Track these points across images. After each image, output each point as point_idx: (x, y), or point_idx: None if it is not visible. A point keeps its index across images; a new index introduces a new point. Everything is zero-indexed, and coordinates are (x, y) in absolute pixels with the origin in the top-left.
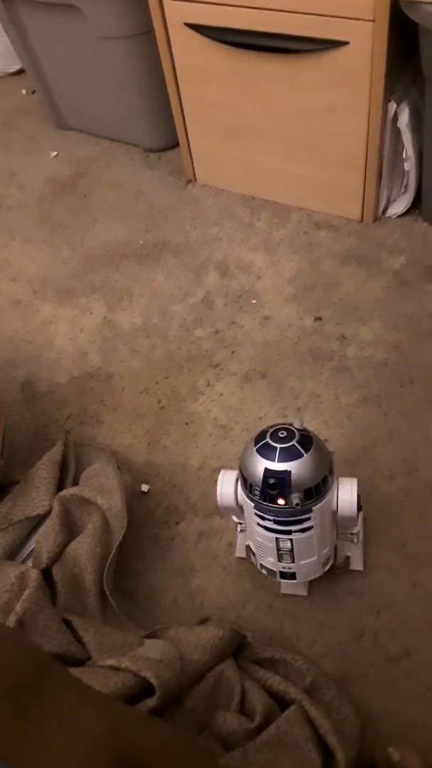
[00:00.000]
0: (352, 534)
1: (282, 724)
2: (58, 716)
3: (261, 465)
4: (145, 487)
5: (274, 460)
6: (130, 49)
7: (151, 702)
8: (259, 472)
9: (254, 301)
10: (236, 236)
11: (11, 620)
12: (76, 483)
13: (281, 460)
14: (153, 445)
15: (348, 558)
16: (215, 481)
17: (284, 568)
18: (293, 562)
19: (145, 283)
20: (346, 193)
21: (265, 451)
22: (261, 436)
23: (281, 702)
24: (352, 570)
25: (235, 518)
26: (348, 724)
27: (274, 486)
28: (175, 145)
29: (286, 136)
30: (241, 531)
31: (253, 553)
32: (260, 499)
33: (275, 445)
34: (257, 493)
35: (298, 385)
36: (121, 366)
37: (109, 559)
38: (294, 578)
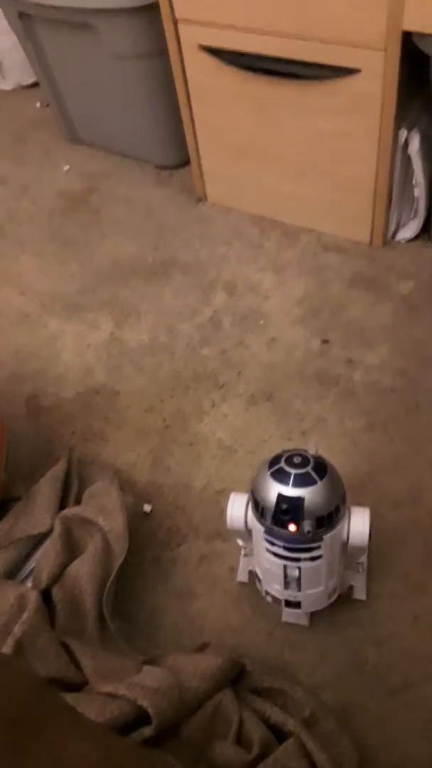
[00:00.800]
0: (357, 563)
1: (279, 756)
2: (52, 749)
3: (274, 489)
4: (147, 508)
5: (288, 485)
6: (144, 68)
7: (147, 731)
8: (272, 496)
9: (261, 322)
10: (245, 256)
11: (9, 643)
12: (78, 501)
13: (295, 485)
14: (156, 464)
15: (351, 587)
16: (218, 503)
17: (290, 596)
18: (299, 590)
19: (152, 300)
20: (355, 216)
21: (279, 476)
22: (275, 461)
23: (279, 734)
24: (355, 599)
25: (240, 542)
26: (346, 758)
27: (287, 511)
28: (186, 163)
29: (297, 160)
30: (245, 555)
31: (259, 579)
32: (271, 524)
33: (290, 470)
34: (269, 517)
35: (303, 408)
36: (126, 383)
37: (109, 582)
38: (299, 607)
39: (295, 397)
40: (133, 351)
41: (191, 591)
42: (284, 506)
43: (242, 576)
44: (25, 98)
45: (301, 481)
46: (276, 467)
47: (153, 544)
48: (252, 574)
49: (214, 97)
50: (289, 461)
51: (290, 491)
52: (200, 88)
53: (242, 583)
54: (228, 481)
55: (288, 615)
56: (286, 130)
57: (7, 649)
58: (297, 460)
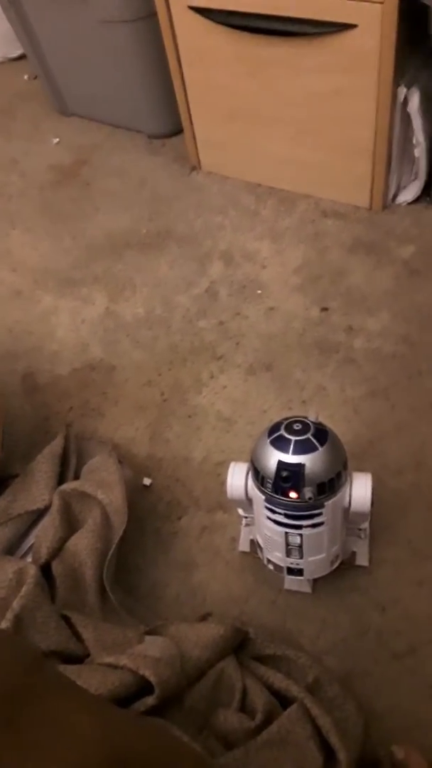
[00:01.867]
0: (359, 529)
1: (283, 722)
2: (49, 723)
3: (274, 457)
4: (147, 481)
5: (288, 453)
6: (133, 33)
7: (150, 700)
8: (272, 464)
9: (259, 292)
10: (241, 225)
11: (8, 617)
12: (77, 477)
13: (295, 452)
14: (155, 438)
15: (354, 553)
16: (218, 474)
17: (292, 563)
18: (301, 558)
19: (148, 273)
20: (354, 179)
21: (279, 443)
22: (275, 428)
23: (283, 700)
24: (358, 566)
25: (241, 512)
26: (351, 722)
27: (287, 479)
28: (179, 131)
29: (293, 122)
30: (246, 525)
31: (260, 547)
32: (272, 492)
33: (290, 437)
34: (269, 485)
35: (303, 377)
36: (123, 358)
37: (109, 555)
38: (301, 575)
39: (295, 366)
40: (129, 325)
41: (193, 562)
42: (285, 473)
43: (244, 545)
44: (13, 71)
45: (302, 448)
46: (276, 434)
47: (153, 517)
48: (253, 544)
49: (205, 60)
50: (289, 428)
51: (290, 458)
52: (191, 50)
53: (244, 553)
54: (228, 452)
55: (290, 583)
56: (281, 92)
57: (6, 623)
58: (297, 426)
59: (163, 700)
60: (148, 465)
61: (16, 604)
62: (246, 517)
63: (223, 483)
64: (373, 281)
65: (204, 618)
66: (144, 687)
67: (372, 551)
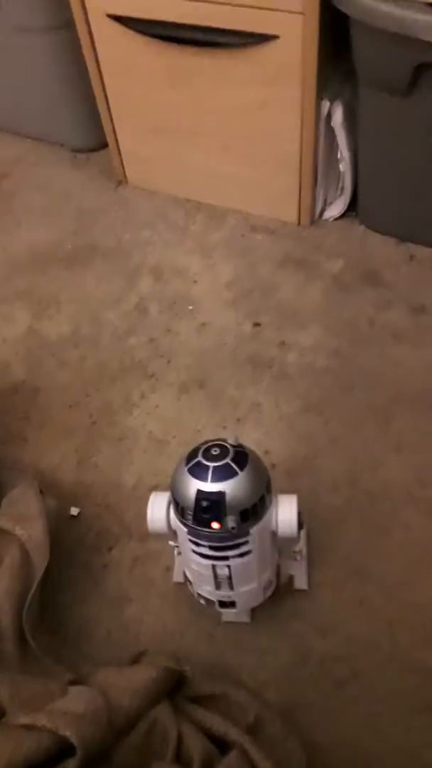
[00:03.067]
0: (295, 551)
1: None
2: None
3: (193, 486)
4: (74, 511)
5: (207, 480)
6: (51, 41)
7: (71, 764)
8: (191, 494)
9: (190, 307)
10: (170, 240)
11: None
12: None
13: (215, 480)
14: (83, 463)
15: (292, 577)
16: None
17: (223, 596)
18: (232, 589)
19: (73, 289)
20: (282, 194)
21: (197, 471)
22: (193, 454)
23: (222, 744)
24: (297, 590)
25: (171, 542)
26: (294, 760)
27: (208, 509)
28: (104, 144)
29: (218, 135)
30: (179, 554)
31: (190, 582)
32: (193, 524)
33: (208, 464)
34: (189, 516)
35: (237, 394)
36: (48, 379)
37: (29, 597)
38: (234, 607)
39: (229, 383)
40: (53, 344)
41: (125, 596)
42: (205, 503)
43: (178, 576)
44: None
45: (221, 475)
46: (193, 462)
47: (82, 549)
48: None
49: (127, 71)
50: (207, 454)
51: (210, 486)
52: (112, 61)
53: (179, 584)
54: (161, 475)
55: (228, 614)
56: (205, 104)
57: None
58: (215, 451)
59: (86, 761)
60: (76, 493)
61: None
62: (177, 546)
63: None
64: (303, 296)
65: (138, 657)
66: (65, 748)
67: (311, 573)
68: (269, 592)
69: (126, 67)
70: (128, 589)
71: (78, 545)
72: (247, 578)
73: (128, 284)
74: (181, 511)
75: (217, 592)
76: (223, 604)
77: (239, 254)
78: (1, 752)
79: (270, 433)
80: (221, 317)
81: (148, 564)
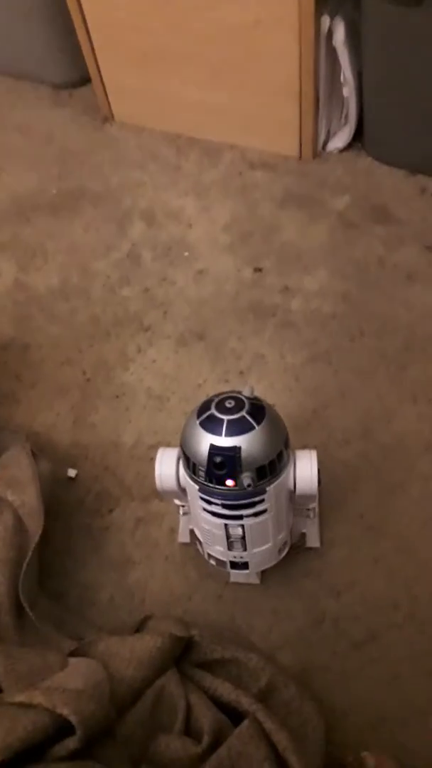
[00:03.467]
0: (308, 509)
1: (234, 743)
2: None
3: (205, 441)
4: (72, 472)
5: (220, 435)
6: None
7: (71, 743)
8: (204, 449)
9: (186, 254)
10: (162, 181)
11: None
12: None
13: (229, 434)
14: (79, 423)
15: (303, 535)
16: (152, 459)
17: (235, 557)
18: (245, 550)
19: (61, 238)
20: (281, 125)
21: (210, 425)
22: (205, 407)
23: (234, 713)
24: (309, 548)
25: (177, 501)
26: (310, 727)
27: (222, 465)
28: (87, 79)
29: (209, 61)
30: (185, 514)
31: (200, 542)
32: (205, 481)
33: (222, 416)
34: (202, 473)
35: (239, 345)
36: (38, 335)
37: (24, 565)
38: (246, 568)
39: (230, 333)
40: (42, 297)
41: (128, 559)
42: (218, 459)
43: (183, 537)
44: None
45: (236, 428)
46: (206, 415)
47: (81, 512)
48: (194, 534)
49: None
50: (221, 406)
51: (224, 441)
52: None
53: (184, 545)
54: (161, 433)
55: (237, 575)
56: (193, 26)
57: None
58: (229, 404)
59: (87, 739)
60: (73, 454)
61: None
62: (183, 506)
63: None
64: (307, 236)
65: (144, 622)
66: (64, 726)
67: (323, 531)
68: (284, 553)
69: None
70: (131, 552)
71: (77, 508)
72: (262, 538)
73: (119, 230)
74: (192, 468)
75: (230, 552)
76: (234, 565)
77: (237, 194)
78: (3, 732)
79: (275, 385)
80: (219, 263)
81: (152, 525)
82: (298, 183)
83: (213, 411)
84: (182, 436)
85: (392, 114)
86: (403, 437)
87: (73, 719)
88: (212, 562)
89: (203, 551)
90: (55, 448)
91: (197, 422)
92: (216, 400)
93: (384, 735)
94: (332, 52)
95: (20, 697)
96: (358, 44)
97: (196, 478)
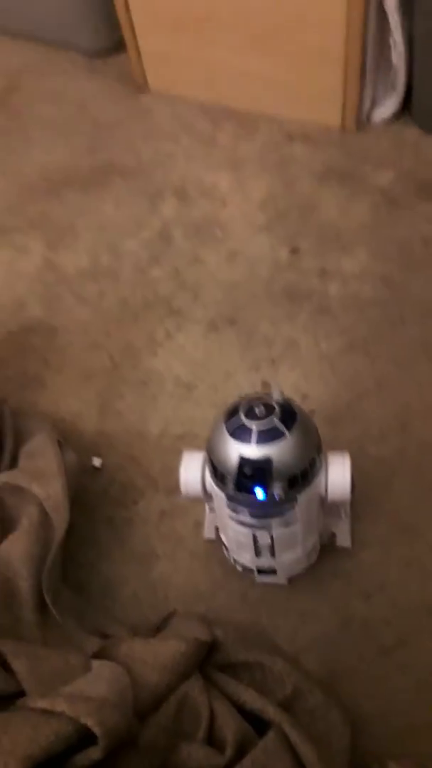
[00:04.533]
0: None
1: (258, 756)
2: None
3: (234, 450)
4: (97, 462)
5: (250, 443)
6: None
7: (94, 753)
8: (232, 459)
9: (219, 233)
10: (196, 154)
11: None
12: (14, 461)
13: (260, 442)
14: (105, 410)
15: (334, 534)
16: (179, 450)
17: (263, 565)
18: (273, 557)
19: (91, 215)
20: (323, 94)
21: (239, 433)
22: (232, 413)
23: (257, 721)
24: (339, 548)
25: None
26: (335, 734)
27: (252, 476)
28: (122, 46)
29: (250, 27)
30: (211, 511)
31: (225, 546)
32: (234, 491)
33: (251, 424)
34: (230, 483)
35: (272, 331)
36: (66, 317)
37: (48, 561)
38: (274, 573)
39: (262, 318)
40: (71, 278)
41: (152, 553)
42: (248, 470)
43: (209, 533)
44: None
45: (267, 437)
46: (234, 422)
47: (105, 503)
48: (219, 534)
49: None
50: (250, 412)
51: (254, 451)
52: None
53: (210, 540)
54: (189, 424)
55: (263, 577)
56: None
57: None
58: (259, 409)
59: (110, 749)
60: (98, 442)
61: None
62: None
63: None
64: (347, 215)
65: (168, 618)
66: (86, 734)
67: (354, 530)
68: (313, 558)
69: None
70: (156, 545)
71: (101, 498)
72: (291, 546)
73: (150, 207)
74: (220, 477)
75: (257, 559)
76: (262, 571)
77: (274, 168)
78: (19, 742)
79: (309, 375)
80: (254, 243)
81: (177, 519)
82: (339, 156)
83: (242, 418)
84: (209, 444)
85: None
86: None
87: (97, 730)
88: (238, 567)
89: (229, 556)
90: (80, 435)
91: (225, 430)
92: (244, 405)
93: (411, 743)
94: (382, 14)
95: (43, 704)
96: (411, 6)
97: (223, 487)
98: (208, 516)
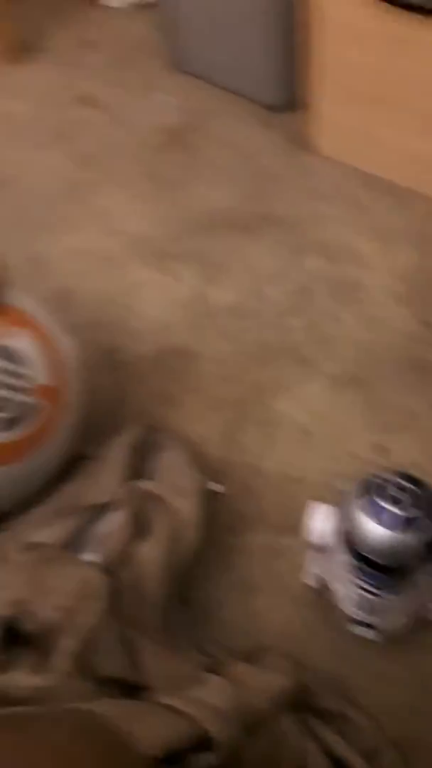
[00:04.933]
0: None
1: None
2: None
3: (365, 525)
4: (219, 488)
5: (383, 525)
6: None
7: (211, 758)
8: (364, 533)
9: (359, 295)
10: (348, 218)
11: (74, 637)
12: (150, 472)
13: (392, 527)
14: (228, 439)
15: None
16: (292, 493)
17: (364, 618)
18: (376, 617)
19: (243, 257)
20: None
21: (373, 509)
22: (367, 489)
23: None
24: None
25: None
26: None
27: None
28: (297, 105)
29: (423, 109)
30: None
31: (330, 590)
32: (359, 562)
33: (384, 505)
34: (363, 560)
35: (395, 399)
36: (207, 346)
37: (177, 573)
38: (372, 629)
39: (388, 385)
40: (218, 311)
41: (254, 586)
42: (382, 560)
43: (309, 578)
44: (132, 19)
45: (399, 521)
46: (371, 501)
47: (216, 527)
48: (319, 579)
49: (346, 33)
50: (384, 494)
51: (385, 533)
52: (326, 17)
53: (308, 585)
54: (305, 470)
55: (360, 630)
56: (423, 78)
57: (73, 643)
58: (395, 492)
59: (222, 761)
60: (218, 469)
61: (82, 621)
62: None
63: (295, 502)
64: None
65: (260, 653)
66: (199, 739)
67: None
68: (412, 626)
69: (345, 29)
70: (257, 579)
71: (212, 522)
72: (397, 609)
73: (297, 260)
74: (354, 554)
75: (359, 612)
76: (361, 623)
77: (421, 243)
78: (148, 731)
79: (427, 450)
80: (390, 311)
81: (281, 557)
82: None
83: (375, 497)
84: (342, 510)
85: None
86: None
87: (216, 738)
88: (338, 611)
89: (332, 598)
90: (204, 459)
91: (360, 505)
92: (376, 486)
93: None
94: None
95: (174, 702)
96: None
97: (349, 553)
98: (308, 562)
